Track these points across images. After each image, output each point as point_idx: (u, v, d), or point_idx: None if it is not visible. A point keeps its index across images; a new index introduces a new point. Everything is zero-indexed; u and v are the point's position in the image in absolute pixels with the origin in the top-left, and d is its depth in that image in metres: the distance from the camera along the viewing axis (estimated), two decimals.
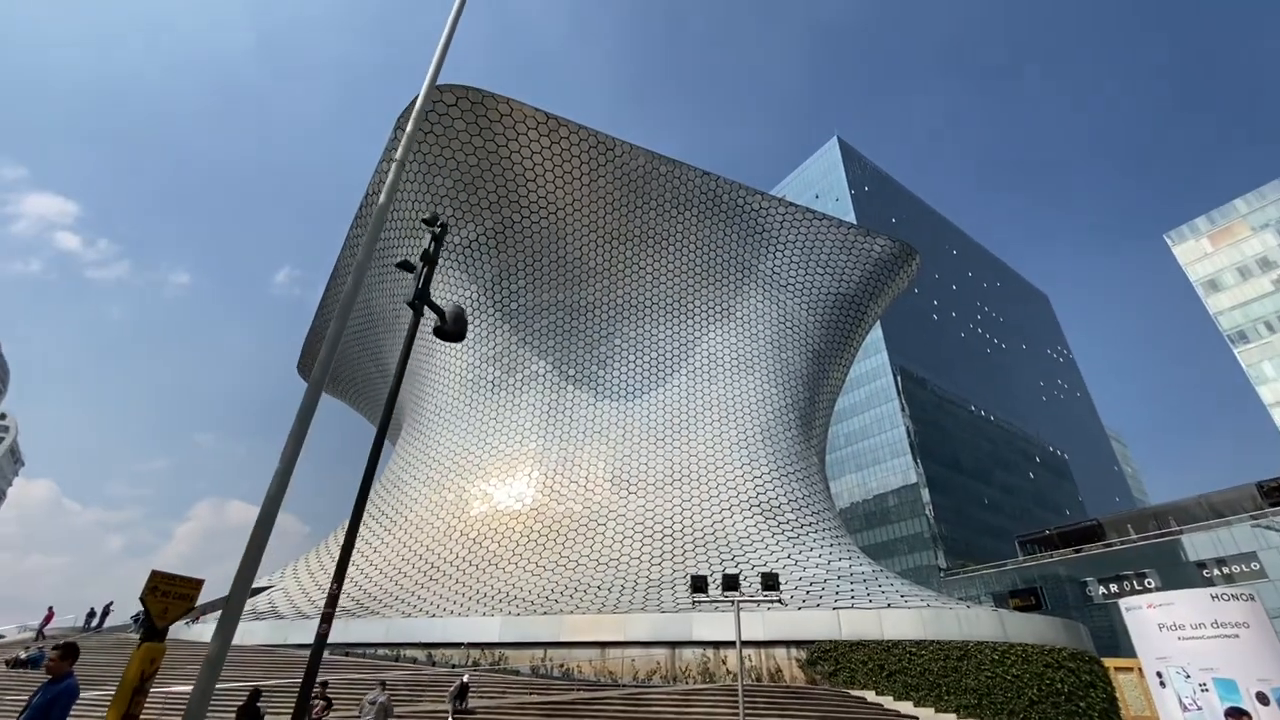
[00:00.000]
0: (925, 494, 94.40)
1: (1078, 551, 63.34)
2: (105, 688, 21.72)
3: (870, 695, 21.87)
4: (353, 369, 60.15)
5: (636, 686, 21.52)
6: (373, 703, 13.84)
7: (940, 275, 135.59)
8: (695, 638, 24.13)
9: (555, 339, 45.68)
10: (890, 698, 21.70)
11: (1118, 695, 24.46)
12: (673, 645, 24.36)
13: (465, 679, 18.62)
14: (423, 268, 6.42)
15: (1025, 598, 61.34)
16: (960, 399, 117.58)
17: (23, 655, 24.05)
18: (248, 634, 29.82)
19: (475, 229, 45.37)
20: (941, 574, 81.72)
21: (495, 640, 25.88)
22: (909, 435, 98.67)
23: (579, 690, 20.43)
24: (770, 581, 16.35)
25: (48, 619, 29.72)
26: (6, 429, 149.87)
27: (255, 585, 40.50)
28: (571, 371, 44.65)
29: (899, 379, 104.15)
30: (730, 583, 16.10)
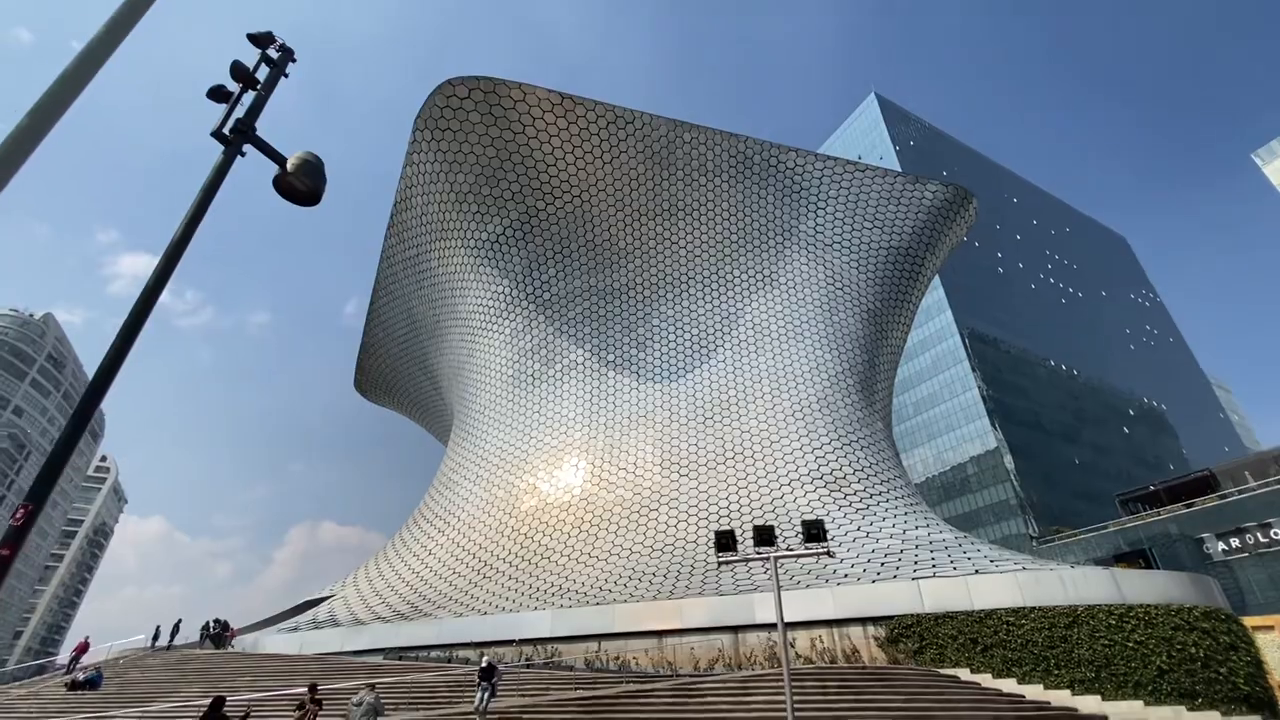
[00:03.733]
0: (1008, 459, 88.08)
1: (1189, 506, 57.05)
2: (164, 701, 21.51)
3: (964, 673, 19.20)
4: (404, 379, 60.60)
5: (691, 676, 19.60)
6: (359, 704, 12.63)
7: (1002, 226, 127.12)
8: (759, 620, 21.97)
9: (591, 325, 44.19)
10: (988, 675, 18.98)
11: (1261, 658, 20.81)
12: (735, 630, 22.29)
13: (485, 662, 17.34)
14: (241, 90, 4.73)
15: (1133, 561, 55.81)
16: (1037, 355, 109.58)
17: (80, 678, 24.35)
18: (308, 643, 29.67)
19: (501, 222, 44.41)
20: (1034, 542, 75.85)
21: (547, 635, 24.51)
22: (983, 398, 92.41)
23: (627, 683, 18.72)
24: (814, 531, 13.80)
25: (83, 649, 30.19)
26: (108, 470, 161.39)
27: (316, 596, 40.88)
28: (611, 357, 43.05)
29: (967, 339, 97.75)
30: (764, 536, 13.60)
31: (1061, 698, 17.85)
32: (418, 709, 17.72)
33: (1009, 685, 18.49)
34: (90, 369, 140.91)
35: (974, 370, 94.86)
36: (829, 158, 47.19)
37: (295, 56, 5.18)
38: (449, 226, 46.16)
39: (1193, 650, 18.20)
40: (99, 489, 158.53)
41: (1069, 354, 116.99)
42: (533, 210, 43.79)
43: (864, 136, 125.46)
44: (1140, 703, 17.29)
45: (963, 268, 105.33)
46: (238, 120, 4.58)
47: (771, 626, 21.53)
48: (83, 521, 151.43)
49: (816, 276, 45.32)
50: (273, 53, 5.10)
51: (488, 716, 16.10)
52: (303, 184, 4.65)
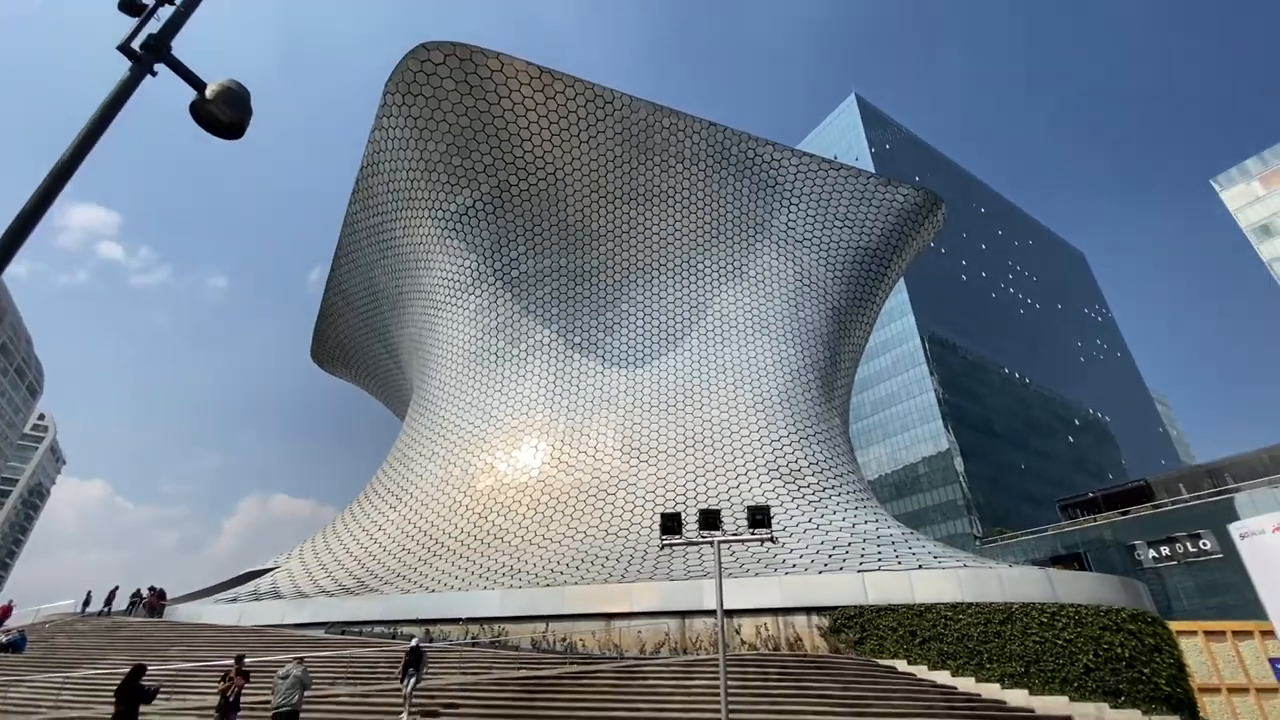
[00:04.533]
0: (958, 461, 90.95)
1: (1124, 514, 59.70)
2: (89, 667, 20.60)
3: (901, 664, 19.69)
4: (362, 351, 59.13)
5: (635, 659, 19.66)
6: (284, 677, 12.29)
7: (969, 234, 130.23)
8: (706, 606, 22.14)
9: (559, 306, 43.67)
10: (924, 666, 19.51)
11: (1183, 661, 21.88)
12: (682, 615, 22.43)
13: (414, 643, 16.54)
14: (156, 3, 4.24)
15: (1068, 564, 58.11)
16: (993, 362, 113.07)
17: (3, 640, 23.20)
18: (247, 615, 28.85)
19: (471, 195, 43.39)
20: (977, 542, 78.56)
21: (495, 614, 24.28)
22: (939, 400, 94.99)
23: (571, 664, 18.67)
24: (759, 517, 13.93)
25: (6, 612, 28.99)
26: (45, 428, 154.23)
27: (260, 568, 39.80)
28: (577, 339, 42.66)
29: (926, 343, 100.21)
30: (709, 520, 13.67)
31: (992, 690, 18.46)
32: (355, 684, 17.35)
33: (943, 677, 19.03)
34: (32, 322, 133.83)
35: (932, 373, 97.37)
36: (805, 154, 47.40)
37: None
38: (416, 196, 44.92)
39: (1119, 650, 19.00)
40: (35, 448, 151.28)
41: (1023, 363, 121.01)
42: (504, 185, 42.87)
43: (841, 136, 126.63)
44: (1065, 698, 17.99)
45: (928, 272, 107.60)
46: (150, 36, 4.15)
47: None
48: (17, 481, 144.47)
49: (785, 272, 45.60)
50: None
51: (414, 703, 15.59)
52: (224, 113, 4.27)
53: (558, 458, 36.84)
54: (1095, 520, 61.66)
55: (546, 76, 40.63)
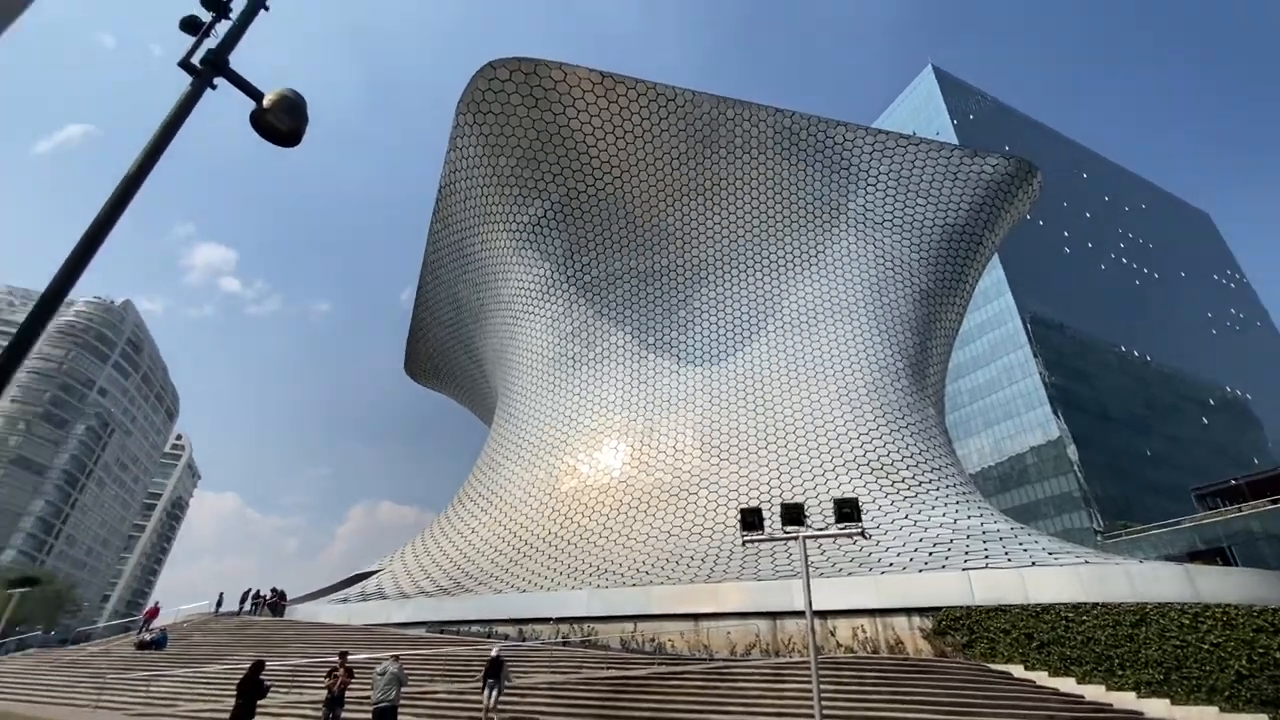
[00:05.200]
0: (1071, 450, 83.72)
1: (1275, 502, 52.85)
2: (219, 663, 22.52)
3: (1017, 670, 18.12)
4: (450, 362, 61.75)
5: (724, 660, 19.18)
6: (382, 673, 12.78)
7: (1070, 203, 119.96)
8: (798, 607, 21.31)
9: (632, 308, 43.82)
10: (1044, 672, 17.85)
11: None
12: (772, 616, 21.74)
13: (495, 653, 15.97)
14: (213, 20, 4.40)
15: (1210, 559, 52.18)
16: (1106, 340, 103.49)
17: (148, 638, 25.84)
18: (356, 614, 30.68)
19: (542, 205, 44.35)
20: (1099, 537, 72.02)
21: (583, 614, 24.51)
22: (1045, 384, 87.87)
23: (659, 664, 18.46)
24: (846, 510, 12.97)
25: (153, 614, 32.27)
26: (182, 447, 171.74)
27: (367, 570, 42.28)
28: (652, 340, 42.63)
29: (1028, 323, 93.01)
30: (792, 514, 12.82)
31: (1125, 700, 16.63)
32: (452, 681, 17.96)
33: (1067, 684, 17.36)
34: (167, 354, 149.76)
35: (1036, 356, 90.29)
36: (880, 131, 45.18)
37: None
38: (491, 210, 46.43)
39: (1277, 655, 16.64)
40: (175, 465, 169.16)
41: (1142, 339, 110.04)
42: (574, 192, 43.55)
43: (919, 111, 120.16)
44: (1215, 709, 15.93)
45: (1025, 247, 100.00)
46: (209, 51, 4.32)
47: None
48: (161, 495, 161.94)
49: (865, 256, 43.61)
50: None
51: (496, 714, 15.18)
52: (282, 122, 4.39)
53: (638, 458, 36.89)
54: (1240, 510, 54.95)
55: (608, 81, 40.94)
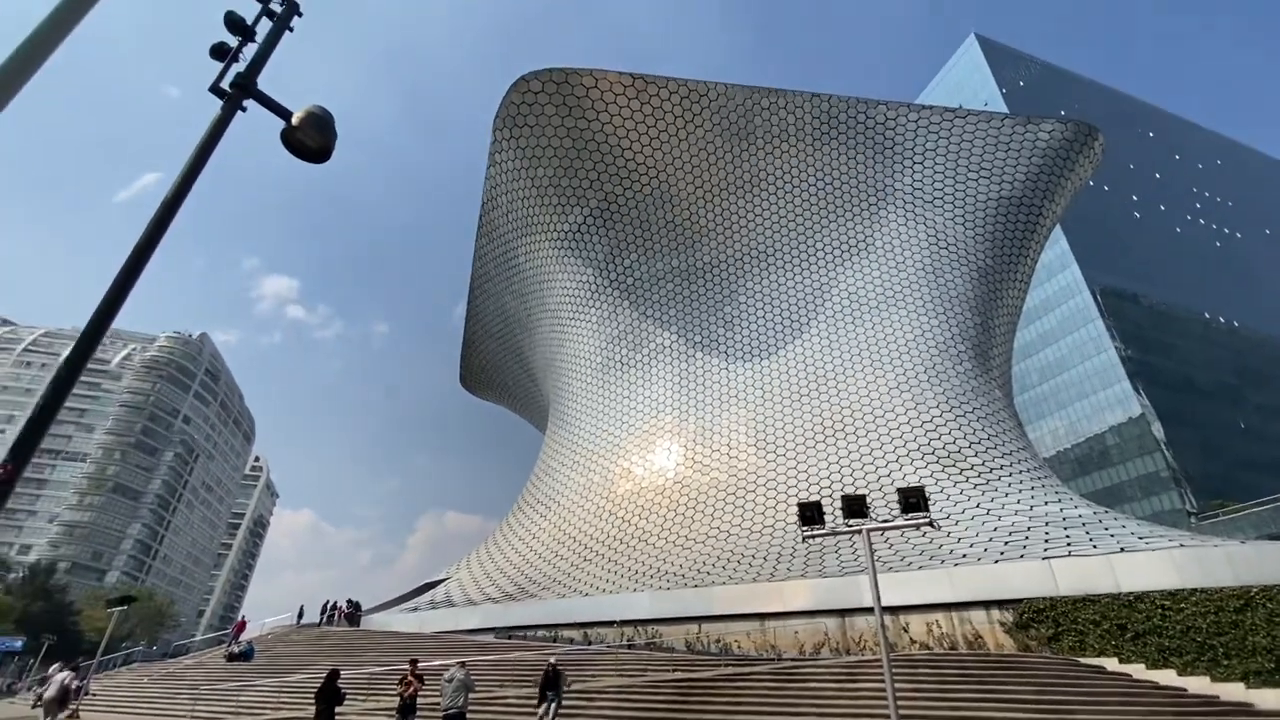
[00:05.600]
0: (1156, 427, 78.44)
1: None
2: (301, 672, 23.47)
3: (1111, 663, 16.98)
4: (502, 373, 62.95)
5: (793, 660, 18.69)
6: (449, 680, 12.95)
7: (1136, 166, 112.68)
8: (867, 604, 20.61)
9: (677, 307, 43.60)
10: (1141, 665, 16.68)
11: None
12: (841, 614, 21.10)
13: (553, 660, 15.32)
14: (240, 44, 4.51)
15: None
16: (1187, 308, 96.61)
17: (236, 650, 27.27)
18: (426, 622, 31.53)
19: (582, 211, 44.70)
20: (1192, 519, 67.23)
21: (646, 616, 24.44)
22: (1122, 359, 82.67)
23: (726, 665, 18.14)
24: (913, 500, 12.26)
25: (241, 627, 34.04)
26: (260, 469, 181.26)
27: (435, 579, 43.41)
28: (698, 338, 42.29)
29: (1098, 295, 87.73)
30: (853, 507, 12.19)
31: (1234, 692, 15.34)
32: (519, 686, 18.16)
33: (1167, 677, 16.15)
34: (242, 381, 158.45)
35: (1109, 329, 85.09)
36: (924, 106, 43.56)
37: (300, 10, 5.03)
38: (533, 220, 47.10)
39: None
40: (254, 486, 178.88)
41: (1227, 304, 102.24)
42: (612, 196, 43.70)
43: (964, 84, 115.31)
44: None
45: (1090, 216, 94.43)
46: (237, 74, 4.45)
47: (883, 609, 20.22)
48: (244, 515, 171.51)
49: (917, 237, 42.07)
50: (275, 5, 4.97)
51: None
52: (311, 139, 4.47)
53: (691, 458, 36.62)
54: None
55: (640, 83, 40.95)
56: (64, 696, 16.15)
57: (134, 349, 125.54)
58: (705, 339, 41.93)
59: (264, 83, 4.57)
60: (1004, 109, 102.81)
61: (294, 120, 4.46)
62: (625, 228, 44.36)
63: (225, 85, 4.40)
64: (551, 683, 14.66)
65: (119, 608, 29.76)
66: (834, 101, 42.69)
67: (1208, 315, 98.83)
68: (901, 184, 43.02)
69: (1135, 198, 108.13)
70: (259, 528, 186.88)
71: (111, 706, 24.31)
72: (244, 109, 4.40)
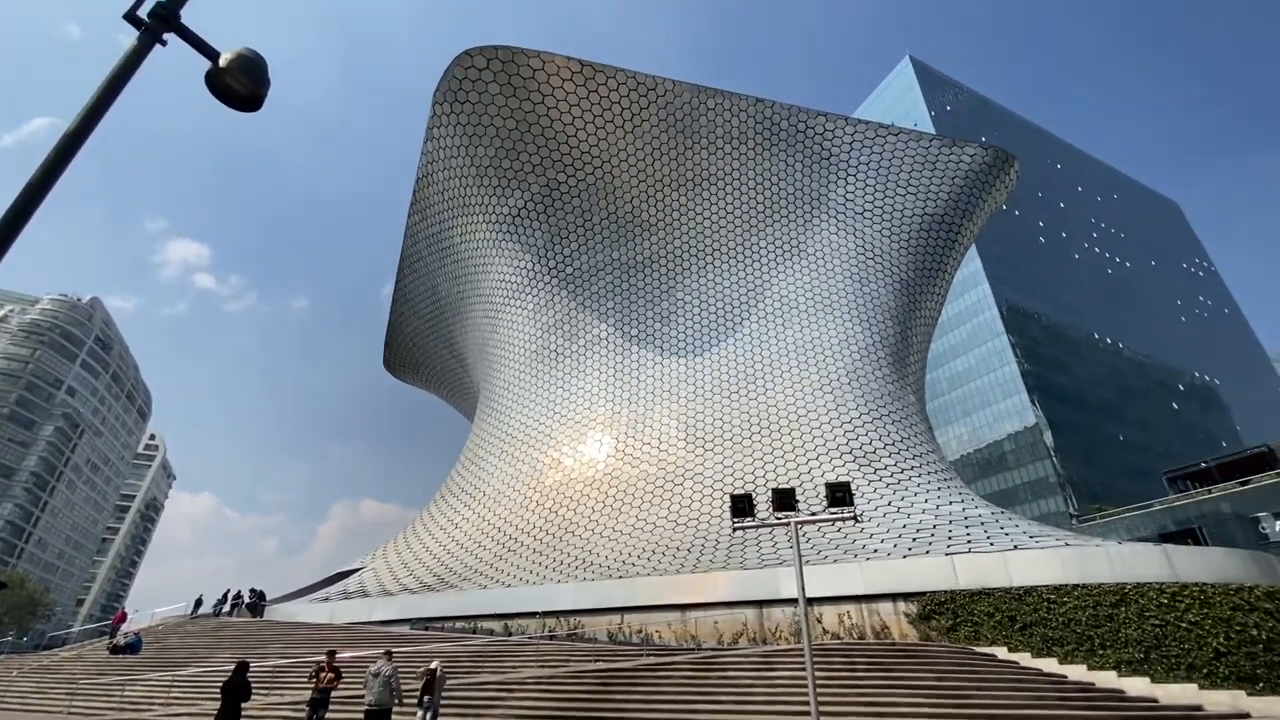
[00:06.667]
0: (1047, 436, 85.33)
1: (1244, 484, 54.28)
2: (196, 665, 21.97)
3: (1001, 652, 18.34)
4: (431, 357, 60.96)
5: (712, 650, 19.16)
6: (375, 674, 12.41)
7: (1044, 194, 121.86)
8: (784, 595, 21.39)
9: (615, 299, 43.51)
10: (1027, 654, 18.10)
11: None
12: (759, 605, 21.75)
13: (433, 665, 13.95)
14: None
15: (1181, 541, 53.49)
16: (1080, 328, 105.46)
17: (121, 642, 25.17)
18: (338, 613, 30.18)
19: (522, 196, 43.79)
20: (1074, 521, 73.45)
21: (570, 607, 24.36)
22: (1022, 373, 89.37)
23: (647, 655, 18.36)
24: (839, 494, 12.97)
25: (121, 619, 31.73)
26: (156, 448, 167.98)
27: (348, 569, 41.66)
28: (634, 331, 42.39)
29: (1005, 312, 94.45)
30: (784, 500, 12.84)
31: (1106, 679, 16.90)
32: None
33: (1049, 665, 17.60)
34: (140, 353, 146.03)
35: (1012, 344, 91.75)
36: (860, 121, 45.29)
37: None
38: (470, 201, 45.74)
39: (1254, 632, 16.98)
40: (149, 466, 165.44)
41: (1114, 327, 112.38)
42: (554, 183, 43.03)
43: (898, 102, 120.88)
44: (1194, 686, 16.25)
45: (1002, 237, 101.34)
46: (158, 4, 3.96)
47: (797, 602, 21.00)
48: (135, 497, 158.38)
49: (846, 246, 43.75)
50: None
51: None
52: (241, 84, 4.05)
53: (622, 450, 36.72)
54: (1210, 492, 56.43)
55: (588, 70, 40.45)
56: None
57: (11, 310, 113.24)
58: (641, 332, 42.07)
59: (188, 20, 4.10)
60: (931, 129, 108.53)
61: (221, 62, 4.02)
62: (566, 216, 43.80)
63: (143, 14, 3.91)
64: (429, 687, 13.46)
65: None
66: (776, 108, 43.68)
67: (1097, 336, 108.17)
68: (835, 194, 44.59)
69: (1041, 223, 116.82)
70: (152, 511, 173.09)
71: None
72: (163, 43, 3.94)
